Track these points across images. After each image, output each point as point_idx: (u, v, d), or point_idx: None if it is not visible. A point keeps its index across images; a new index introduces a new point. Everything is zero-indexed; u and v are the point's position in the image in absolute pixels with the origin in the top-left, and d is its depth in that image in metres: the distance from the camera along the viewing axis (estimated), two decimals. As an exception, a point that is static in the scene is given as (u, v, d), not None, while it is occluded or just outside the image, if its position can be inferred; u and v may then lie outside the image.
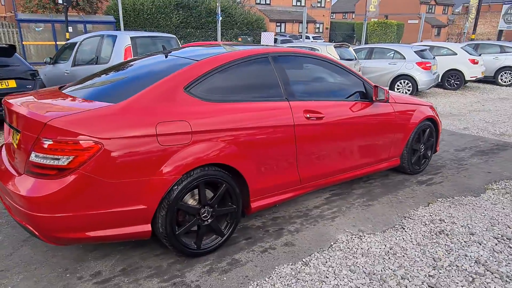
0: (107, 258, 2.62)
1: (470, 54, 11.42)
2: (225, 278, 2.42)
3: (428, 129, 4.24)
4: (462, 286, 2.36)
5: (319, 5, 39.16)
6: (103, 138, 2.13)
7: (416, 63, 10.03)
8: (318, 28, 38.79)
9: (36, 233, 2.17)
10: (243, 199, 2.79)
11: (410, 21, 43.78)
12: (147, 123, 2.28)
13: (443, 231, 3.05)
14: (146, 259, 2.61)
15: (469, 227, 3.11)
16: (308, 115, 3.02)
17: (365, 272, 2.49)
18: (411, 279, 2.43)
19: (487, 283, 2.40)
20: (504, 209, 3.47)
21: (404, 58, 10.24)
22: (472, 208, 3.46)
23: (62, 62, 7.63)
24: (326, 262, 2.60)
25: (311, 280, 2.40)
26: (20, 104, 2.43)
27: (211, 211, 2.59)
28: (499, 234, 3.00)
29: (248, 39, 24.20)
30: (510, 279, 2.43)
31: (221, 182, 2.58)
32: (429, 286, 2.36)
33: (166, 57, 3.03)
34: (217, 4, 12.12)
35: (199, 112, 2.49)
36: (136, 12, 21.06)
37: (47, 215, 2.10)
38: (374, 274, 2.47)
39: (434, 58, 10.65)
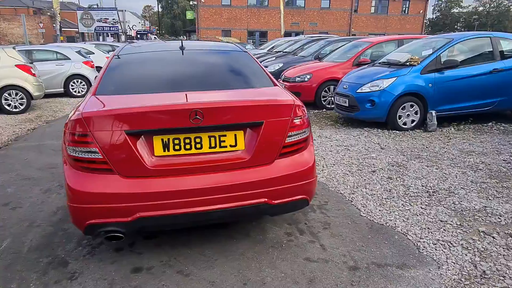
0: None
1: (108, 52, 13.15)
2: (322, 192, 3.64)
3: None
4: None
5: None
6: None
7: (83, 62, 10.62)
8: None
9: (308, 197, 2.52)
10: None
11: None
12: None
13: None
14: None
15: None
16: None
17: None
18: (345, 157, 4.71)
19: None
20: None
21: (69, 59, 10.49)
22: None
23: None
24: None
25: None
26: (235, 99, 2.45)
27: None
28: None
29: None
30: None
31: None
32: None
33: None
34: None
35: None
36: None
37: (316, 175, 2.57)
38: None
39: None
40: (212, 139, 2.31)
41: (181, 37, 52.00)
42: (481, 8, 61.83)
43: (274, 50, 14.77)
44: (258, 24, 34.83)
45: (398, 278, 2.37)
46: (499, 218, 3.14)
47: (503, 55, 6.30)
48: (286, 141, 2.43)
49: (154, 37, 51.58)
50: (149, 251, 2.69)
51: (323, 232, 2.93)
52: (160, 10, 50.08)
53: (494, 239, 2.81)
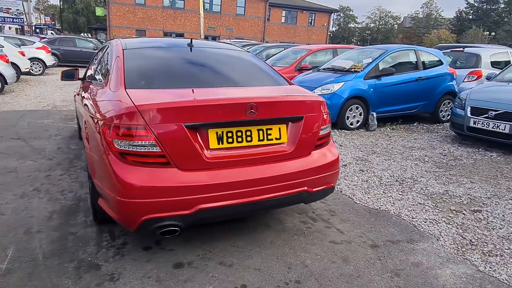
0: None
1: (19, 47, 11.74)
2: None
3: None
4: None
5: None
6: None
7: (-4, 56, 9.38)
8: None
9: (334, 185, 2.77)
10: None
11: None
12: None
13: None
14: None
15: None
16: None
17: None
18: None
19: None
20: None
21: (-21, 52, 9.16)
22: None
23: None
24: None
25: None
26: (284, 95, 2.62)
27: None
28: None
29: None
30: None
31: None
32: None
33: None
34: None
35: None
36: None
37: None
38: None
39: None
40: (260, 132, 2.42)
41: (85, 34, 48.27)
42: (372, 25, 69.72)
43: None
44: (175, 26, 34.21)
45: (412, 250, 2.77)
46: (460, 198, 3.79)
47: (425, 66, 7.41)
48: (319, 134, 2.66)
49: (51, 33, 47.06)
50: (180, 248, 2.66)
51: (333, 219, 3.21)
52: (61, 3, 45.67)
53: (465, 215, 3.41)
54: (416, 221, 3.25)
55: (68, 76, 4.38)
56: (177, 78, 2.72)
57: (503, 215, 3.42)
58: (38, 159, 4.43)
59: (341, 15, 69.87)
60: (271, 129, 2.46)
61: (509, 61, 9.09)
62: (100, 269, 2.38)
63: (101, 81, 3.11)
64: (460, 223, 3.24)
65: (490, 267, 2.60)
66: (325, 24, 44.65)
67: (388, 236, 2.97)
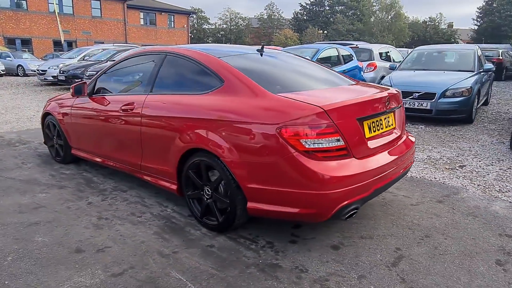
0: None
1: None
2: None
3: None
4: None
5: None
6: None
7: None
8: None
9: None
10: None
11: None
12: None
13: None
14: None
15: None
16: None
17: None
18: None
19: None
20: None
21: None
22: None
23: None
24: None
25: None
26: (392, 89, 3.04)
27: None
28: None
29: None
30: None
31: None
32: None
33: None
34: None
35: None
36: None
37: None
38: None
39: None
40: (385, 120, 2.88)
41: None
42: (224, 26, 73.11)
43: (94, 59, 13.61)
44: (18, 30, 29.48)
45: (463, 199, 3.63)
46: (442, 160, 4.92)
47: (345, 60, 8.71)
48: (404, 119, 3.25)
49: None
50: (318, 234, 2.89)
51: (391, 190, 3.86)
52: None
53: (460, 170, 4.50)
54: (439, 180, 4.16)
55: (78, 91, 3.90)
56: (297, 81, 2.94)
57: (480, 165, 4.65)
58: (47, 190, 3.80)
59: (194, 16, 71.06)
60: (389, 117, 2.94)
61: (388, 52, 11.33)
62: (282, 267, 2.48)
63: (191, 90, 3.03)
64: (463, 176, 4.30)
65: (513, 199, 3.65)
66: (184, 26, 45.00)
67: (439, 193, 3.77)
